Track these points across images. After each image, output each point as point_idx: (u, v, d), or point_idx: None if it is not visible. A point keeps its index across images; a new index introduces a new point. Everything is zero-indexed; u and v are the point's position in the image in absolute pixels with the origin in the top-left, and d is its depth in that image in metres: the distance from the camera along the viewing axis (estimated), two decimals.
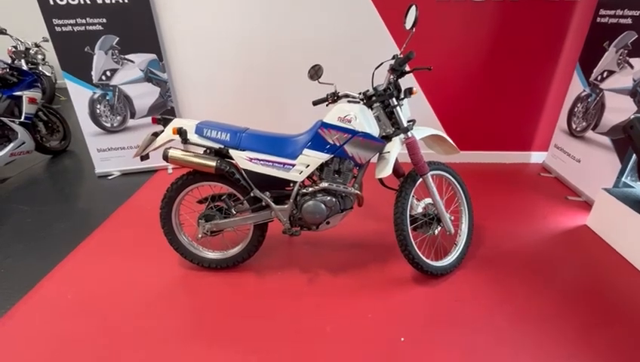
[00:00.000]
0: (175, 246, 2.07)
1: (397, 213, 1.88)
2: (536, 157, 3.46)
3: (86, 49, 2.97)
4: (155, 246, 2.33)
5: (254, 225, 2.02)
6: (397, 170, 2.04)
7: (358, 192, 1.90)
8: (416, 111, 3.31)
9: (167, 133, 1.84)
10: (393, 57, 1.78)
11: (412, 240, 1.91)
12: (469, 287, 1.97)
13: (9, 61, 3.62)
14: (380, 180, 1.96)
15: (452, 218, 2.04)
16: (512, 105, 3.28)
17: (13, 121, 3.28)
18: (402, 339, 1.68)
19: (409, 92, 1.80)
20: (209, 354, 1.62)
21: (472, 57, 3.13)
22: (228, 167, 1.83)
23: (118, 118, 3.23)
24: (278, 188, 1.93)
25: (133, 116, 3.24)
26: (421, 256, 1.94)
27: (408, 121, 1.89)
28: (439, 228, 2.04)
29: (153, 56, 3.08)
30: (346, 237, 2.42)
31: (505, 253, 2.24)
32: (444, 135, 2.00)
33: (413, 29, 1.70)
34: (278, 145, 1.85)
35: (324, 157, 1.83)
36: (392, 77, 1.78)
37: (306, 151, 1.83)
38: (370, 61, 2.52)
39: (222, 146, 1.84)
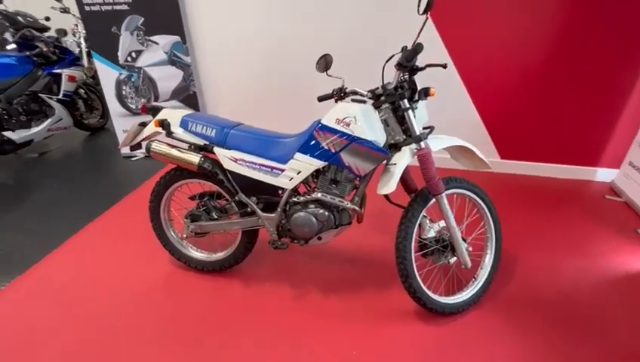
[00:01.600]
0: (163, 241, 1.97)
1: (399, 237, 1.58)
2: (603, 174, 2.86)
3: (113, 29, 2.96)
4: (151, 238, 2.26)
5: (242, 231, 1.84)
6: (408, 185, 1.72)
7: (357, 208, 1.62)
8: (455, 110, 2.89)
9: (152, 124, 1.70)
10: (402, 50, 1.45)
11: (415, 270, 1.60)
12: (482, 334, 1.62)
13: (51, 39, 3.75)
14: (385, 196, 1.66)
15: (470, 249, 1.68)
16: (578, 108, 2.70)
17: (51, 98, 3.41)
18: None
19: (425, 93, 1.47)
20: (162, 358, 1.49)
21: (530, 48, 2.60)
22: (211, 167, 1.65)
23: (143, 100, 3.21)
24: (267, 193, 1.72)
25: (157, 99, 3.21)
26: (425, 289, 1.62)
27: (424, 128, 1.55)
28: (454, 259, 1.70)
29: (177, 38, 2.99)
30: (346, 250, 2.15)
31: (538, 296, 1.83)
32: (472, 147, 1.64)
33: (427, 15, 1.35)
34: (268, 146, 1.62)
35: (317, 163, 1.57)
36: (401, 74, 1.46)
37: (297, 155, 1.59)
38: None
39: (207, 143, 1.66)
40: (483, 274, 1.78)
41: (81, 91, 3.85)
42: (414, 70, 1.45)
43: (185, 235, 1.87)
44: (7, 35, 3.86)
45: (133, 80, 3.14)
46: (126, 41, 3.00)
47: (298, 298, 1.82)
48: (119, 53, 3.04)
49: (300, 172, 1.60)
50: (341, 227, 1.70)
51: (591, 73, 2.58)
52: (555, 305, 1.77)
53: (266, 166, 1.62)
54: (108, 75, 3.13)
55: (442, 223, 1.71)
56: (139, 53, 3.04)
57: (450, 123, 2.96)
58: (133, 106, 3.24)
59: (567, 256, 2.09)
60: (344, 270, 2.00)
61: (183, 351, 1.56)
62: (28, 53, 3.36)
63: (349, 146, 1.50)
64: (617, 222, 2.38)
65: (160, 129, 1.66)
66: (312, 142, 1.56)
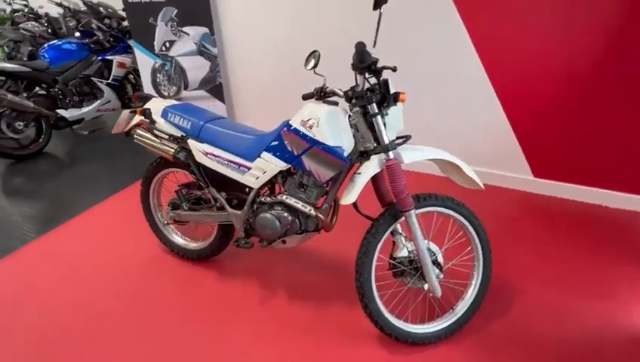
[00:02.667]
0: (150, 224, 2.06)
1: (359, 252, 1.45)
2: None
3: (150, 20, 3.15)
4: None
5: (219, 225, 1.85)
6: (382, 196, 1.57)
7: (321, 216, 1.52)
8: (482, 118, 2.60)
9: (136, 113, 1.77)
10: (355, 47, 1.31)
11: (374, 291, 1.46)
12: None
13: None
14: (354, 206, 1.54)
15: (441, 276, 1.49)
16: (633, 124, 2.25)
17: (102, 82, 3.76)
18: None
19: (395, 99, 1.32)
20: (115, 345, 1.56)
21: (576, 51, 2.22)
22: (185, 158, 1.67)
23: (174, 88, 3.39)
24: (236, 190, 1.70)
25: (186, 87, 3.37)
26: (384, 312, 1.48)
27: (400, 138, 1.40)
28: (426, 284, 1.52)
29: (206, 29, 3.09)
30: (329, 256, 2.05)
31: (535, 340, 1.56)
32: (459, 162, 1.45)
33: (381, 9, 1.20)
34: (238, 143, 1.60)
35: (281, 165, 1.51)
36: (367, 76, 1.32)
37: (264, 154, 1.54)
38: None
39: (183, 135, 1.69)
40: (463, 307, 1.57)
41: (130, 77, 4.19)
42: (377, 72, 1.31)
43: (166, 222, 1.93)
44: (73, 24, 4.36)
45: (166, 68, 3.33)
46: (161, 32, 3.18)
47: (263, 300, 1.79)
48: (155, 43, 3.23)
49: (265, 171, 1.55)
50: (306, 233, 1.62)
51: None
52: (557, 356, 1.50)
53: (233, 162, 1.59)
54: (145, 63, 3.35)
55: (424, 243, 1.54)
56: (172, 43, 3.20)
57: (476, 132, 2.67)
58: (166, 93, 3.44)
59: (584, 300, 1.76)
60: (320, 278, 1.91)
61: (138, 331, 1.62)
62: (87, 40, 3.73)
63: (310, 150, 1.41)
64: None
65: (142, 117, 1.72)
66: (279, 143, 1.50)
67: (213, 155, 1.62)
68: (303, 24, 2.87)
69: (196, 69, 3.26)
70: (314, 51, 1.48)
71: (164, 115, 1.71)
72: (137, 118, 1.77)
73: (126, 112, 1.83)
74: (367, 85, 1.33)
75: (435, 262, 1.50)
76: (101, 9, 3.92)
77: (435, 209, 1.48)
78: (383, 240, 1.46)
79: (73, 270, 2.00)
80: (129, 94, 4.25)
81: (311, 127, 1.40)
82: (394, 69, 1.31)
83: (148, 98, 1.82)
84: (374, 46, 1.32)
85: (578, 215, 2.40)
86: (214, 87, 3.32)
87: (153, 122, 1.73)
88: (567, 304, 1.73)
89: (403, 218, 1.44)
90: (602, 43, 2.16)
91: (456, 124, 2.72)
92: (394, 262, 1.53)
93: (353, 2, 2.65)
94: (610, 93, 2.24)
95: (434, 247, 1.53)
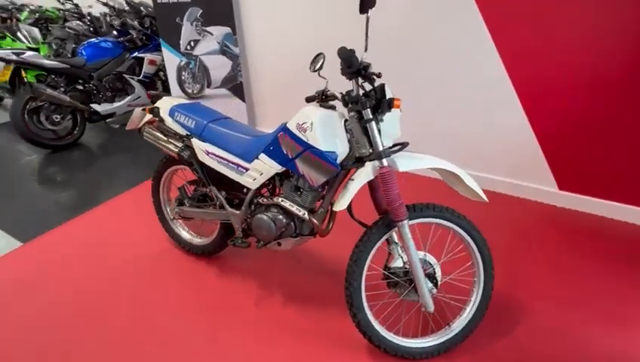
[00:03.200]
0: (159, 216, 2.13)
1: (350, 260, 1.42)
2: None
3: (177, 19, 3.26)
4: None
5: (220, 223, 1.88)
6: (378, 204, 1.52)
7: (315, 221, 1.51)
8: (505, 127, 2.47)
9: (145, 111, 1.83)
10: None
11: (364, 300, 1.43)
12: None
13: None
14: (348, 211, 1.51)
15: (434, 290, 1.43)
16: None
17: (133, 78, 3.95)
18: None
19: (389, 105, 1.27)
20: (115, 330, 1.63)
21: (607, 59, 2.04)
22: (188, 157, 1.71)
23: (197, 86, 3.50)
24: (235, 190, 1.72)
25: (209, 86, 3.46)
26: (373, 323, 1.44)
27: (396, 145, 1.36)
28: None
29: (228, 29, 3.15)
30: (329, 260, 2.03)
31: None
32: (460, 172, 1.38)
33: (369, 14, 1.15)
34: (238, 143, 1.61)
35: (276, 167, 1.51)
36: (360, 81, 1.28)
37: (262, 156, 1.55)
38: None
39: (188, 133, 1.73)
40: (459, 324, 1.50)
41: (161, 74, 4.36)
42: (368, 77, 1.27)
43: (172, 216, 2.00)
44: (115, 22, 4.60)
45: (190, 67, 3.43)
46: (187, 31, 3.28)
47: (261, 301, 1.80)
48: (181, 42, 3.34)
49: (262, 173, 1.55)
50: (301, 237, 1.61)
51: None
52: None
53: (233, 162, 1.61)
54: (172, 62, 3.48)
55: (421, 254, 1.48)
56: (196, 42, 3.30)
57: (499, 141, 2.54)
58: (190, 91, 3.55)
59: (599, 323, 1.62)
60: (319, 282, 1.90)
61: (136, 321, 1.69)
62: (122, 38, 3.93)
63: (303, 154, 1.40)
64: None
65: (150, 116, 1.78)
66: (275, 145, 1.50)
67: (214, 155, 1.65)
68: (322, 25, 2.85)
69: (219, 67, 3.34)
70: (319, 53, 1.46)
71: (172, 113, 1.76)
72: (148, 116, 1.84)
73: (138, 110, 1.91)
74: (362, 90, 1.30)
75: (431, 276, 1.44)
76: (142, 8, 4.11)
77: (432, 220, 1.42)
78: (374, 249, 1.42)
79: (88, 256, 2.12)
80: (159, 90, 4.44)
81: (305, 131, 1.38)
82: (378, 75, 1.27)
83: (160, 97, 1.88)
84: (365, 51, 1.28)
85: (604, 232, 2.21)
86: (235, 85, 3.38)
87: (161, 120, 1.79)
88: (576, 326, 1.60)
89: (397, 228, 1.39)
90: (633, 54, 1.97)
91: (478, 132, 2.59)
92: (387, 272, 1.48)
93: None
94: None
95: (431, 259, 1.47)
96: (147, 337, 1.63)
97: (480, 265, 1.48)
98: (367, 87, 1.33)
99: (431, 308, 1.42)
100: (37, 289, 1.90)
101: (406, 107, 2.78)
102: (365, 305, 1.43)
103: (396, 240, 1.48)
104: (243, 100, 3.42)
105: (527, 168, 2.53)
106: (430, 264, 1.46)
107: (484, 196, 1.41)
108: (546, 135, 2.39)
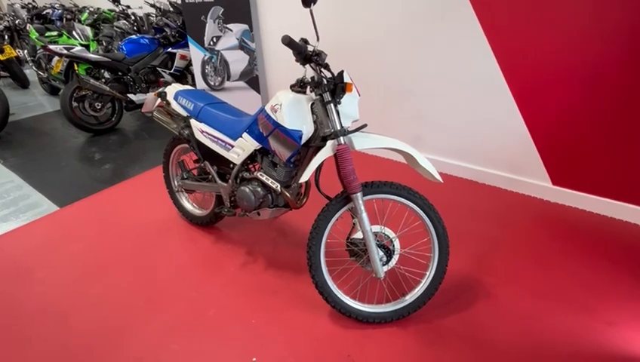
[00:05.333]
0: (168, 189, 2.43)
1: (312, 228, 1.60)
2: None
3: (202, 17, 3.58)
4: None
5: (216, 196, 2.13)
6: (342, 180, 1.68)
7: (287, 193, 1.70)
8: (498, 121, 2.51)
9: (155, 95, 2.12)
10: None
11: (322, 264, 1.60)
12: (385, 352, 1.52)
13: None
14: (316, 185, 1.69)
15: (385, 259, 1.56)
16: None
17: (165, 72, 4.35)
18: (254, 359, 1.52)
19: (343, 89, 1.43)
20: (121, 281, 1.93)
21: (601, 53, 2.03)
22: (186, 135, 1.97)
23: (219, 78, 3.81)
24: (225, 165, 1.95)
25: (229, 78, 3.76)
26: (331, 285, 1.61)
27: (358, 129, 1.51)
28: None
29: (246, 26, 3.42)
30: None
31: (487, 342, 1.56)
32: (413, 152, 1.51)
33: (312, 6, 1.31)
34: (227, 124, 1.84)
35: (255, 144, 1.72)
36: (318, 68, 1.45)
37: (244, 134, 1.77)
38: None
39: (187, 115, 1.99)
40: (414, 295, 1.63)
41: (192, 68, 4.75)
42: (320, 63, 1.43)
43: (177, 189, 2.28)
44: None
45: (213, 61, 3.75)
46: (210, 28, 3.59)
47: (244, 264, 2.03)
48: (205, 38, 3.66)
49: (244, 150, 1.77)
50: (277, 208, 1.81)
51: None
52: (502, 356, 1.49)
53: (221, 140, 1.85)
54: (197, 56, 3.81)
55: (375, 228, 1.63)
56: (218, 38, 3.60)
57: (493, 136, 2.58)
58: (212, 83, 3.87)
59: (567, 314, 1.66)
60: (299, 254, 2.08)
61: (138, 276, 1.98)
62: (158, 35, 4.35)
63: (274, 132, 1.60)
64: None
65: (159, 100, 2.07)
66: (255, 125, 1.71)
67: (208, 133, 1.89)
68: (333, 22, 3.03)
69: (237, 62, 3.63)
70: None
71: (176, 97, 2.03)
72: (158, 100, 2.13)
73: (151, 95, 2.20)
74: (323, 75, 1.47)
75: (385, 247, 1.58)
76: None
77: (388, 196, 1.56)
78: (334, 218, 1.59)
79: (109, 220, 2.46)
80: (189, 83, 4.83)
81: (275, 112, 1.58)
82: (324, 60, 1.43)
83: (169, 83, 2.16)
84: (317, 40, 1.45)
85: (593, 228, 2.20)
86: (251, 78, 3.65)
87: (168, 104, 2.07)
88: (541, 316, 1.66)
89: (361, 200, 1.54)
90: (628, 48, 1.95)
91: (472, 127, 2.65)
92: (348, 242, 1.64)
93: (383, 2, 2.73)
94: (637, 101, 2.01)
95: (390, 233, 1.61)
96: (148, 284, 1.91)
97: (435, 241, 1.59)
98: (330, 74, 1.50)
99: (380, 275, 1.56)
100: (64, 244, 2.26)
101: (405, 104, 2.89)
102: (324, 268, 1.61)
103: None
104: (259, 92, 3.68)
105: (521, 163, 2.54)
106: (387, 236, 1.60)
107: (438, 177, 1.53)
108: (540, 131, 2.40)
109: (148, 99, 2.20)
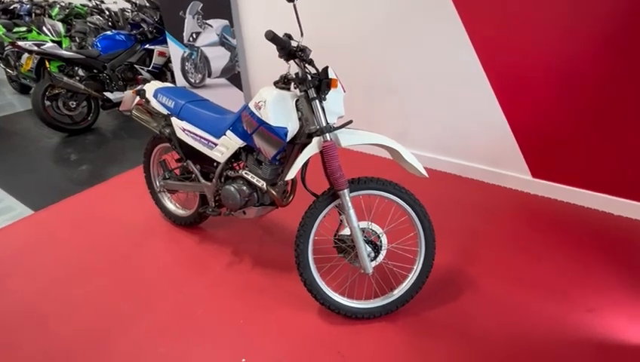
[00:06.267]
0: (150, 190, 2.37)
1: (300, 225, 1.59)
2: None
3: (181, 13, 3.49)
4: None
5: (200, 196, 2.09)
6: (328, 177, 1.68)
7: (272, 192, 1.68)
8: (478, 115, 2.55)
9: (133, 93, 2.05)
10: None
11: (310, 261, 1.60)
12: (374, 347, 1.53)
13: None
14: (302, 183, 1.68)
15: (373, 254, 1.57)
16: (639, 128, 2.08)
17: (143, 69, 4.23)
18: (243, 360, 1.50)
19: (328, 85, 1.42)
20: (105, 282, 1.87)
21: (580, 46, 2.09)
22: (168, 134, 1.92)
23: (199, 75, 3.73)
24: (209, 164, 1.91)
25: (210, 75, 3.68)
26: (319, 282, 1.61)
27: (344, 125, 1.51)
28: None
29: (226, 22, 3.35)
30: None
31: (474, 332, 1.59)
32: (398, 147, 1.51)
33: (295, 0, 1.30)
34: (210, 121, 1.81)
35: (239, 142, 1.69)
36: (302, 64, 1.44)
37: (228, 132, 1.73)
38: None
39: (168, 113, 1.94)
40: (401, 289, 1.64)
41: (170, 65, 4.63)
42: (303, 58, 1.42)
43: (158, 189, 2.22)
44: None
45: (193, 57, 3.67)
46: (189, 24, 3.51)
47: (230, 264, 2.00)
48: (184, 34, 3.58)
49: (228, 148, 1.74)
50: (263, 207, 1.79)
51: None
52: (488, 344, 1.53)
53: (204, 138, 1.81)
54: (176, 53, 3.72)
55: (362, 224, 1.63)
56: (198, 34, 3.52)
57: (474, 130, 2.63)
58: (193, 80, 3.79)
59: (549, 302, 1.71)
60: (286, 253, 2.07)
61: (121, 278, 1.92)
62: (134, 31, 4.22)
63: (258, 129, 1.57)
64: None
65: (137, 98, 2.00)
66: (238, 122, 1.68)
67: (190, 132, 1.85)
68: (316, 17, 3.00)
69: (218, 58, 3.56)
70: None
71: (155, 95, 1.97)
72: (137, 98, 2.06)
73: (129, 93, 2.13)
74: (307, 72, 1.45)
75: (373, 243, 1.59)
76: (158, 3, 4.37)
77: (374, 192, 1.57)
78: (321, 216, 1.58)
79: (89, 223, 2.38)
80: (168, 81, 4.72)
81: (260, 109, 1.56)
82: (308, 56, 1.42)
83: (148, 80, 2.10)
84: (302, 35, 1.43)
85: (571, 218, 2.28)
86: (233, 75, 3.59)
87: (147, 101, 2.01)
88: (524, 305, 1.70)
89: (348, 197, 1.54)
90: (605, 42, 2.02)
91: (455, 123, 2.69)
92: (336, 239, 1.64)
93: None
94: (614, 94, 2.09)
95: (377, 229, 1.62)
96: (132, 286, 1.86)
97: (421, 235, 1.61)
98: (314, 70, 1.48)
99: (369, 271, 1.56)
100: (42, 248, 2.17)
101: (389, 100, 2.91)
102: (312, 265, 1.60)
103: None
104: (241, 89, 3.62)
105: (502, 156, 2.60)
106: (375, 232, 1.60)
107: (423, 171, 1.54)
108: (520, 125, 2.46)
109: (126, 98, 2.13)
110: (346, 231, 1.63)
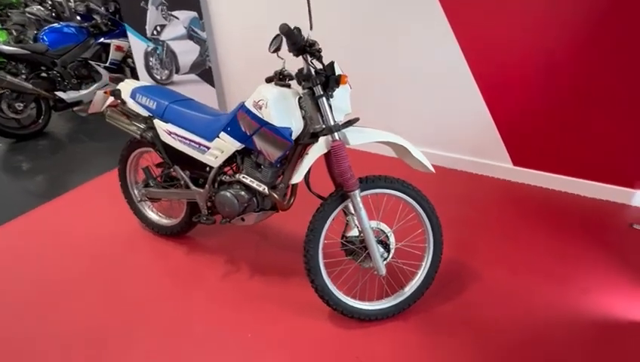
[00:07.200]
0: (127, 199, 2.16)
1: (308, 230, 1.51)
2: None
3: (142, 4, 3.21)
4: None
5: (187, 203, 1.93)
6: (334, 177, 1.61)
7: (275, 195, 1.58)
8: (462, 107, 2.59)
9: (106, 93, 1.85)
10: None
11: (321, 266, 1.53)
12: (391, 348, 1.50)
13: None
14: (306, 185, 1.60)
15: (385, 255, 1.54)
16: (616, 115, 2.22)
17: (99, 65, 3.87)
18: None
19: (336, 81, 1.35)
20: (88, 309, 1.68)
21: (560, 39, 2.18)
22: (150, 138, 1.75)
23: (166, 72, 3.47)
24: (198, 168, 1.77)
25: (177, 71, 3.44)
26: (331, 288, 1.55)
27: (348, 122, 1.44)
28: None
29: (194, 14, 3.13)
30: (295, 236, 2.12)
31: (483, 321, 1.61)
32: (407, 144, 1.47)
33: None
34: (199, 123, 1.66)
35: (236, 145, 1.57)
36: (309, 59, 1.35)
37: (222, 134, 1.60)
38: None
39: (150, 115, 1.76)
40: (412, 286, 1.63)
41: (130, 60, 4.28)
42: (313, 53, 1.34)
43: (139, 198, 2.03)
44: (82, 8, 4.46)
45: (158, 52, 3.40)
46: (152, 16, 3.24)
47: (226, 274, 1.88)
48: (146, 27, 3.30)
49: (223, 151, 1.61)
50: (264, 212, 1.69)
51: (638, 74, 2.08)
52: (499, 334, 1.55)
53: (194, 142, 1.66)
54: (138, 47, 3.43)
55: (371, 223, 1.59)
56: (162, 27, 3.26)
57: (458, 121, 2.67)
58: (159, 77, 3.52)
59: (546, 285, 1.78)
60: (284, 257, 1.98)
61: (108, 297, 1.74)
62: (86, 24, 3.83)
63: (260, 130, 1.47)
64: (633, 259, 1.95)
65: (112, 98, 1.80)
66: (234, 123, 1.56)
67: (177, 135, 1.69)
68: (292, 8, 2.88)
69: (187, 53, 3.33)
70: (277, 35, 1.51)
71: (133, 95, 1.78)
72: (110, 99, 1.86)
73: (100, 93, 1.91)
74: (312, 67, 1.36)
75: (384, 242, 1.55)
76: None
77: (383, 191, 1.52)
78: (330, 219, 1.51)
79: (58, 241, 2.13)
80: (128, 77, 4.36)
81: (260, 108, 1.45)
82: (319, 51, 1.34)
83: (121, 79, 1.89)
84: (311, 29, 1.35)
85: (554, 203, 2.39)
86: (204, 71, 3.38)
87: (123, 103, 1.81)
88: (524, 291, 1.75)
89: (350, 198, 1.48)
90: (582, 33, 2.11)
91: (440, 115, 2.72)
92: (344, 241, 1.58)
93: None
94: (588, 85, 2.20)
95: (385, 228, 1.58)
96: (119, 307, 1.68)
97: (429, 232, 1.60)
98: (320, 66, 1.40)
99: (382, 272, 1.53)
100: (9, 272, 1.91)
101: (374, 94, 2.88)
102: (323, 270, 1.53)
103: (352, 212, 1.57)
104: (212, 85, 3.42)
105: (484, 146, 2.67)
106: (383, 231, 1.57)
107: (431, 167, 1.52)
108: (502, 116, 2.53)
109: (96, 99, 1.91)
110: (354, 233, 1.58)
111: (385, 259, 1.55)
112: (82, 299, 1.74)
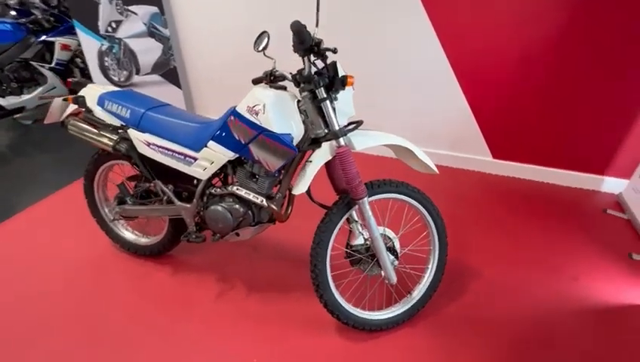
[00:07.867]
0: (96, 218, 1.93)
1: (313, 243, 1.41)
2: (611, 184, 2.47)
3: None
4: None
5: (169, 220, 1.75)
6: (336, 184, 1.52)
7: (273, 207, 1.46)
8: (443, 102, 2.60)
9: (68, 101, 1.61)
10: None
11: (329, 281, 1.44)
12: (403, 357, 1.45)
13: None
14: (307, 194, 1.49)
15: (396, 262, 1.48)
16: (587, 106, 2.32)
17: (43, 66, 3.45)
18: None
19: (342, 82, 1.25)
20: (61, 346, 1.46)
21: (533, 36, 2.23)
22: (126, 150, 1.55)
23: (125, 72, 3.17)
24: (183, 182, 1.60)
25: (138, 72, 3.15)
26: (340, 301, 1.46)
27: (350, 124, 1.35)
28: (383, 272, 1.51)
29: (155, 9, 2.87)
30: (289, 246, 2.01)
31: (488, 319, 1.60)
32: (412, 147, 1.42)
33: None
34: (182, 131, 1.49)
35: (228, 154, 1.42)
36: (313, 59, 1.25)
37: (211, 143, 1.45)
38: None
39: (123, 124, 1.56)
40: (419, 291, 1.58)
41: (78, 60, 3.87)
42: (320, 53, 1.24)
43: (112, 217, 1.81)
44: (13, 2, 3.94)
45: (114, 51, 3.09)
46: (105, 10, 2.93)
47: (219, 294, 1.73)
48: (99, 23, 2.98)
49: (213, 162, 1.46)
50: (260, 225, 1.56)
51: (607, 67, 2.18)
52: (506, 330, 1.55)
53: (178, 153, 1.49)
54: (90, 46, 3.10)
55: (381, 229, 1.51)
56: (118, 23, 2.96)
57: (439, 116, 2.68)
58: (116, 78, 3.21)
59: (540, 276, 1.82)
60: (280, 270, 1.86)
61: (88, 334, 1.53)
62: (23, 20, 3.39)
63: (257, 138, 1.34)
64: (611, 243, 2.05)
65: (76, 106, 1.57)
66: (225, 131, 1.41)
67: (157, 146, 1.51)
68: (275, 4, 2.72)
69: (148, 51, 3.05)
70: (263, 32, 1.38)
71: (101, 102, 1.57)
72: (72, 107, 1.62)
73: (58, 100, 1.66)
74: (314, 68, 1.26)
75: (391, 249, 1.49)
76: None
77: (390, 195, 1.46)
78: (337, 229, 1.43)
79: (15, 270, 1.85)
80: (77, 79, 3.94)
81: (257, 114, 1.32)
82: (334, 51, 1.25)
83: (83, 84, 1.66)
84: (317, 26, 1.24)
85: (533, 193, 2.48)
86: (169, 71, 3.12)
87: (89, 111, 1.59)
88: (518, 281, 1.78)
89: (357, 206, 1.40)
90: (558, 32, 2.18)
91: (421, 111, 2.71)
92: (350, 250, 1.50)
93: None
94: (564, 78, 2.28)
95: (390, 234, 1.51)
96: (100, 342, 1.48)
97: (435, 234, 1.56)
98: (320, 65, 1.29)
99: (393, 280, 1.47)
100: None
101: (355, 92, 2.81)
102: (331, 284, 1.44)
103: (356, 218, 1.49)
104: (179, 87, 3.17)
105: (465, 141, 2.71)
106: (389, 238, 1.50)
107: (435, 168, 1.48)
108: (481, 110, 2.57)
109: (54, 107, 1.67)
110: (359, 241, 1.50)
111: (394, 266, 1.49)
112: (56, 335, 1.51)
